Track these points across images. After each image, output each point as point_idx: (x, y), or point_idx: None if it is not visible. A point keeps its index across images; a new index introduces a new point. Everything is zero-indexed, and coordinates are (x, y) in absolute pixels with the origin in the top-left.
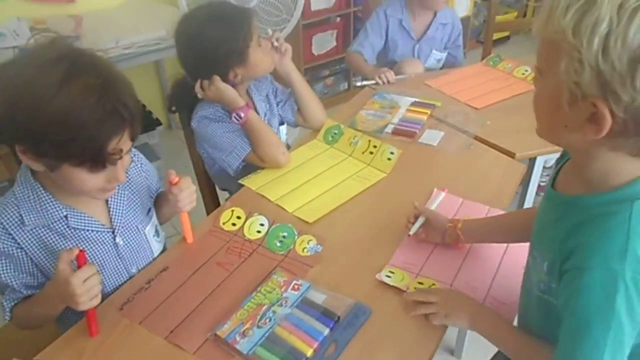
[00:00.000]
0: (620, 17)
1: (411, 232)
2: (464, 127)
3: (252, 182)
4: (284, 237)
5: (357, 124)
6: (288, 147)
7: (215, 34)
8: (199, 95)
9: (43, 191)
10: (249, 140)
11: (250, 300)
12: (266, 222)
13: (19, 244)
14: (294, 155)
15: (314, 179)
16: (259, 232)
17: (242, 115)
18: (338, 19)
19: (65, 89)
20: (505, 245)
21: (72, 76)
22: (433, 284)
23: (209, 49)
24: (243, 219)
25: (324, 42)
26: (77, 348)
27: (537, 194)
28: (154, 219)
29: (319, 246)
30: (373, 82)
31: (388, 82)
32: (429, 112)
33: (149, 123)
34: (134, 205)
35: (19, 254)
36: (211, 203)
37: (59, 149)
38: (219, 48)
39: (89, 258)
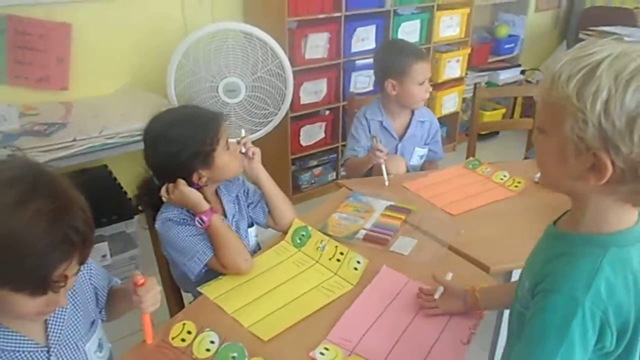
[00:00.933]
0: (617, 85)
1: (436, 296)
2: (437, 235)
3: (211, 290)
4: (233, 357)
5: (329, 229)
6: (259, 248)
7: (179, 136)
8: (164, 199)
9: None
10: (210, 245)
11: None
12: (217, 340)
13: None
14: (259, 260)
15: (277, 289)
16: (208, 350)
17: (205, 219)
18: (327, 112)
19: (17, 213)
20: (445, 321)
21: (26, 199)
22: None
23: (173, 151)
24: (193, 334)
25: (312, 134)
26: None
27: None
28: (98, 331)
29: None
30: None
31: (382, 152)
32: (403, 217)
33: (127, 211)
34: (76, 321)
35: None
36: (175, 305)
37: (1, 274)
38: (183, 150)
39: None
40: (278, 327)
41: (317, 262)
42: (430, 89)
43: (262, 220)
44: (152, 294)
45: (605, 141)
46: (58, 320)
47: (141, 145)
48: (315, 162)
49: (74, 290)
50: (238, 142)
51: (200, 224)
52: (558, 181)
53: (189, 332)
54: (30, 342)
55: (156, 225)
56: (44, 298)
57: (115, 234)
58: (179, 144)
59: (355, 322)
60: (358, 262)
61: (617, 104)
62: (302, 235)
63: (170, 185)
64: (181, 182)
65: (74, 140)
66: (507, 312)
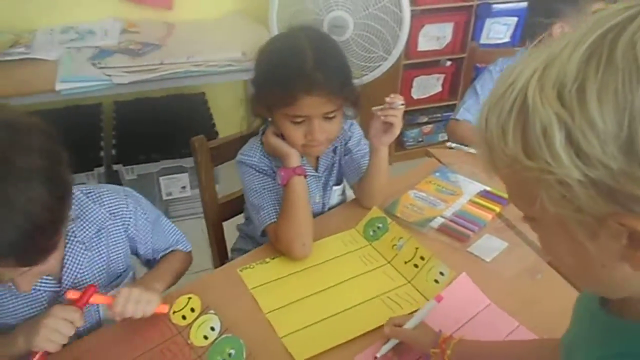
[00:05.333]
0: (568, 108)
1: (378, 355)
2: (538, 242)
3: (251, 276)
4: (229, 354)
5: (397, 209)
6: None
7: (270, 62)
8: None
9: None
10: (279, 207)
11: None
12: (218, 327)
13: None
14: (321, 245)
15: (332, 289)
16: (205, 337)
17: (282, 175)
18: (448, 63)
19: None
20: None
21: None
22: None
23: (262, 77)
24: (196, 314)
25: (427, 86)
26: None
27: None
28: (123, 285)
29: None
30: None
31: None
32: (498, 209)
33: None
34: (95, 270)
35: None
36: (219, 259)
37: None
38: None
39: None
40: (318, 346)
41: (389, 262)
42: None
43: (351, 179)
44: (131, 309)
45: (615, 196)
46: (75, 263)
47: (224, 78)
48: (425, 119)
49: (99, 237)
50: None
51: (278, 180)
52: (595, 280)
53: (192, 310)
54: (44, 280)
55: (235, 163)
56: None
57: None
58: (260, 65)
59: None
60: (441, 273)
61: (587, 133)
62: (378, 227)
63: (267, 131)
64: (269, 133)
65: (161, 63)
66: None
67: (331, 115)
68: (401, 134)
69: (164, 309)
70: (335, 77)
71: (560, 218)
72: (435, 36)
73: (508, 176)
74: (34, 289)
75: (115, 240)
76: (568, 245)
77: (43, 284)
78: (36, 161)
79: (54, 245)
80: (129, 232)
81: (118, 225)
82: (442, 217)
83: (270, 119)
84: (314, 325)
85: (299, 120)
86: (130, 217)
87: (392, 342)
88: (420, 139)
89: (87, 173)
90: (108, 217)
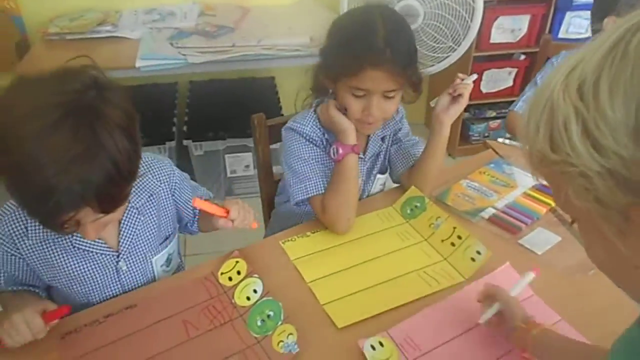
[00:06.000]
0: (585, 100)
1: (481, 321)
2: None
3: (293, 248)
4: (268, 316)
5: (448, 198)
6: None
7: (340, 33)
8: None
9: None
10: (327, 180)
11: None
12: (260, 290)
13: (20, 252)
14: (359, 221)
15: (370, 263)
16: (248, 299)
17: (341, 152)
18: (522, 57)
19: (33, 147)
20: None
21: (49, 134)
22: None
23: (332, 47)
24: (241, 277)
25: (497, 80)
26: None
27: None
28: (171, 246)
29: (295, 346)
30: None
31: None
32: (553, 203)
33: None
34: (148, 233)
35: (16, 260)
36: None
37: (11, 194)
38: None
39: (83, 285)
40: (358, 314)
41: (425, 240)
42: None
43: (399, 169)
44: (241, 217)
45: (628, 185)
46: (130, 228)
47: (292, 62)
48: (493, 113)
49: (151, 202)
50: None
51: (334, 154)
52: (627, 281)
53: (239, 273)
54: (102, 244)
55: (282, 129)
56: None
57: None
58: (331, 34)
59: (435, 324)
60: (478, 252)
61: (600, 124)
62: (416, 206)
63: (324, 104)
64: (331, 104)
65: (233, 46)
66: None
67: (391, 94)
68: (467, 127)
69: (255, 224)
70: (402, 56)
71: (587, 214)
72: (510, 28)
73: (544, 174)
74: (93, 253)
75: (164, 205)
76: (601, 244)
77: (100, 247)
78: (120, 115)
79: (126, 196)
80: (175, 196)
81: (166, 191)
82: (493, 207)
83: (331, 91)
84: (353, 295)
85: (360, 93)
86: (176, 182)
87: (495, 308)
88: (486, 134)
89: (159, 146)
90: (157, 184)
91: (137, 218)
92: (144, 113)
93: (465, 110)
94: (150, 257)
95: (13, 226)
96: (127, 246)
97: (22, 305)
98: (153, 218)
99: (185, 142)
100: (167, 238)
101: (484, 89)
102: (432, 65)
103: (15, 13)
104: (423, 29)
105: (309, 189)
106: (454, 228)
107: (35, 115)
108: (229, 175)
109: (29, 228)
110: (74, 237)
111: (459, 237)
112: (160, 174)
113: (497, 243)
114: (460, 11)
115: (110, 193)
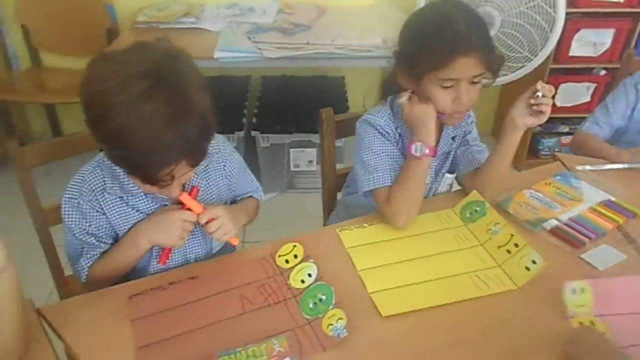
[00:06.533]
0: None
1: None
2: None
3: (349, 236)
4: (320, 299)
5: (510, 206)
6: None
7: (415, 25)
8: (403, 107)
9: None
10: (395, 174)
11: (229, 354)
12: (314, 274)
13: (102, 207)
14: (417, 219)
15: (421, 260)
16: (302, 281)
17: (427, 152)
18: (603, 72)
19: (133, 109)
20: None
21: (146, 97)
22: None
23: (406, 38)
24: (298, 260)
25: (574, 94)
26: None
27: None
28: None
29: (344, 330)
30: (621, 165)
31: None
32: (621, 221)
33: None
34: (209, 198)
35: (100, 216)
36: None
37: (112, 157)
38: (408, 42)
39: None
40: (403, 306)
41: (481, 245)
42: None
43: (462, 170)
44: (216, 224)
45: None
46: (203, 184)
47: (364, 62)
48: (566, 129)
49: (208, 172)
50: (534, 91)
51: (416, 151)
52: None
53: (295, 257)
54: (168, 202)
55: (357, 122)
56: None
57: None
58: (410, 31)
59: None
60: (534, 261)
61: None
62: (476, 210)
63: (406, 100)
64: (416, 99)
65: (307, 43)
66: None
67: (477, 79)
68: (536, 141)
69: (235, 241)
70: (484, 40)
71: None
72: (592, 42)
73: None
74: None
75: (215, 176)
76: None
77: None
78: (198, 77)
79: (206, 152)
80: (225, 170)
81: (220, 163)
82: (556, 219)
83: (411, 92)
84: (401, 288)
85: (449, 84)
86: (226, 158)
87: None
88: (557, 150)
89: (229, 135)
90: (213, 155)
91: (199, 182)
92: (217, 102)
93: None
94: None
95: (94, 183)
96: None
97: (144, 222)
98: (211, 185)
99: (253, 133)
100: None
101: (558, 102)
102: (506, 74)
103: (109, 1)
104: (499, 37)
105: (376, 180)
106: (512, 235)
107: (127, 83)
108: (291, 168)
109: (107, 184)
110: (147, 196)
111: (516, 245)
112: (214, 148)
113: (557, 255)
114: (539, 21)
115: (201, 146)
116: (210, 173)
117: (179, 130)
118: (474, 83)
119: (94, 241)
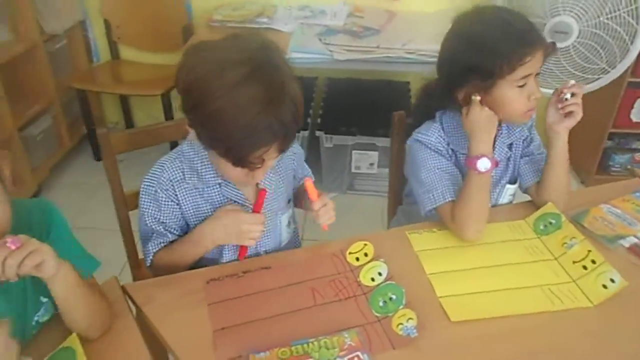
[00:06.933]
0: None
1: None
2: None
3: (418, 240)
4: (390, 299)
5: (585, 220)
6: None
7: (474, 33)
8: (473, 104)
9: (205, 157)
10: (454, 188)
11: (302, 344)
12: (385, 273)
13: (177, 198)
14: (488, 228)
15: (492, 269)
16: (372, 280)
17: (489, 166)
18: None
19: (233, 93)
20: None
21: (245, 83)
22: None
23: (457, 48)
24: (368, 259)
25: None
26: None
27: None
28: (291, 210)
29: (414, 330)
30: None
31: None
32: None
33: None
34: (279, 193)
35: (174, 206)
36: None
37: (209, 140)
38: (467, 51)
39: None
40: (474, 313)
41: (555, 259)
42: None
43: (528, 181)
44: (325, 210)
45: None
46: (267, 186)
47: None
48: None
49: (279, 166)
50: (559, 93)
51: (481, 167)
52: None
53: (366, 255)
54: (244, 197)
55: (408, 141)
56: (244, 170)
57: (387, 147)
58: (469, 42)
59: None
60: (612, 280)
61: None
62: (550, 222)
63: (473, 107)
64: (478, 100)
65: (377, 47)
66: None
67: (539, 70)
68: (607, 156)
69: (326, 227)
70: (538, 31)
71: None
72: None
73: None
74: (235, 204)
75: (290, 168)
76: None
77: (241, 198)
78: (290, 67)
79: (294, 139)
80: (294, 164)
81: (290, 157)
82: (636, 237)
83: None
84: (472, 295)
85: (522, 83)
86: (295, 152)
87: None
88: (628, 166)
89: None
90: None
91: (271, 177)
92: None
93: (609, 138)
94: (280, 215)
95: (173, 173)
96: (265, 200)
97: (209, 223)
98: (282, 179)
99: (317, 133)
100: (289, 201)
101: (634, 117)
102: None
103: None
104: (575, 47)
105: (436, 198)
106: (589, 251)
107: (227, 69)
108: (352, 170)
109: (186, 175)
110: (223, 188)
111: (593, 262)
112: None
113: (636, 273)
114: (620, 32)
115: (293, 131)
116: (281, 166)
117: (275, 114)
118: (537, 75)
119: (163, 230)
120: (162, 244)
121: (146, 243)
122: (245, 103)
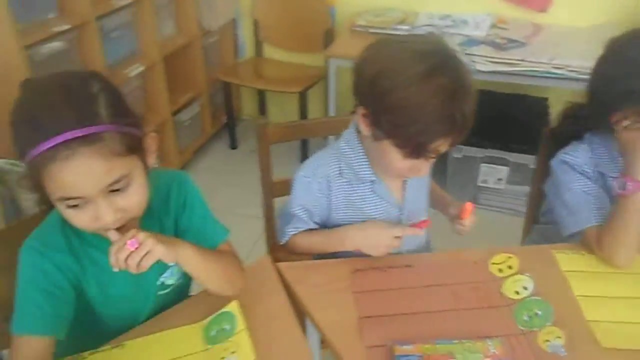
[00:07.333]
0: None
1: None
2: None
3: (565, 260)
4: (536, 314)
5: None
6: None
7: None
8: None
9: (362, 154)
10: (600, 212)
11: (447, 344)
12: (530, 288)
13: (330, 191)
14: None
15: None
16: (517, 293)
17: (630, 187)
18: None
19: (421, 83)
20: None
21: (432, 74)
22: None
23: (612, 73)
24: (512, 272)
25: None
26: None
27: None
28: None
29: (562, 349)
30: None
31: None
32: None
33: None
34: (421, 194)
35: (322, 198)
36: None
37: (391, 128)
38: (627, 77)
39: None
40: (626, 342)
41: None
42: None
43: None
44: (470, 226)
45: None
46: (412, 187)
47: (577, 85)
48: None
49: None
50: None
51: (620, 188)
52: None
53: (510, 267)
54: (392, 196)
55: (552, 160)
56: (411, 162)
57: (519, 163)
58: (627, 67)
59: None
60: None
61: None
62: None
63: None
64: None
65: (522, 60)
66: None
67: None
68: None
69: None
70: None
71: None
72: None
73: None
74: (384, 201)
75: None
76: None
77: (391, 197)
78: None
79: (459, 140)
80: None
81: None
82: None
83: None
84: (624, 324)
85: None
86: None
87: None
88: None
89: None
90: None
91: (416, 180)
92: None
93: None
94: (423, 216)
95: (329, 168)
96: (408, 202)
97: (347, 229)
98: (423, 182)
99: None
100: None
101: None
102: None
103: (331, 4)
104: None
105: (580, 221)
106: None
107: (415, 61)
108: (479, 183)
109: (343, 171)
110: (375, 185)
111: None
112: None
113: None
114: None
115: (468, 125)
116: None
117: (459, 105)
118: None
119: (305, 217)
120: (300, 229)
121: (286, 224)
122: (433, 92)
